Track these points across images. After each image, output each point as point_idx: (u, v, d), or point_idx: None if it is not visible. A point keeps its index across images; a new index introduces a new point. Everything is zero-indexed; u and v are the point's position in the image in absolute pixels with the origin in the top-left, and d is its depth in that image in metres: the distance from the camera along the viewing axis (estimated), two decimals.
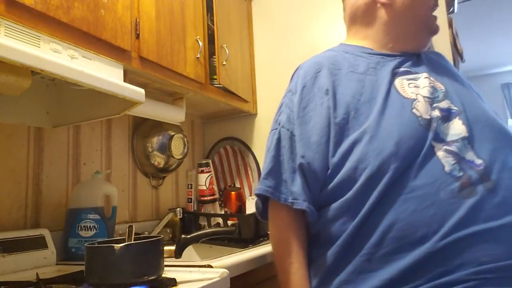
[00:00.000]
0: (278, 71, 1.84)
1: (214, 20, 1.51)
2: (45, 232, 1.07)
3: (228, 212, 1.53)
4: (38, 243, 1.03)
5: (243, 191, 1.68)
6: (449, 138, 0.69)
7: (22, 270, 0.97)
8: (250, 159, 1.85)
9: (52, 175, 1.20)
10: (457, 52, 1.59)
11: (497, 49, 4.25)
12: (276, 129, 0.81)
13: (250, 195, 1.79)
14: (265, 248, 1.13)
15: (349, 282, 0.68)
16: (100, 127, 1.40)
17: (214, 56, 1.53)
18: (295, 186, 0.74)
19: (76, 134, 1.30)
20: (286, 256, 0.75)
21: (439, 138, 0.69)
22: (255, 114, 1.89)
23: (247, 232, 1.30)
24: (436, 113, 0.72)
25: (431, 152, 0.68)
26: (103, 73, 0.95)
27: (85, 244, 0.76)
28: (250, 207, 1.51)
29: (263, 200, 0.83)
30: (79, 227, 1.10)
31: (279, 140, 0.79)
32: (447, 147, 0.68)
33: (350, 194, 0.70)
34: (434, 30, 0.87)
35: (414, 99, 0.73)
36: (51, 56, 0.84)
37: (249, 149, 1.86)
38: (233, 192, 1.59)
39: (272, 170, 0.78)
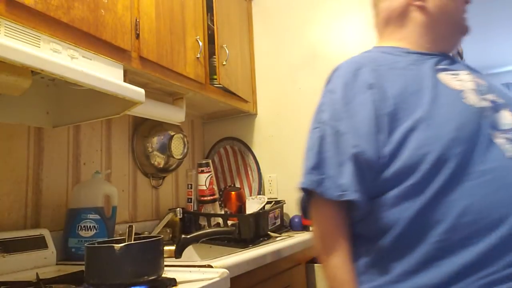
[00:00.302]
0: (278, 71, 1.84)
1: (214, 20, 1.51)
2: (45, 232, 1.07)
3: (228, 212, 1.53)
4: (38, 243, 1.03)
5: (243, 191, 1.68)
6: (503, 127, 0.72)
7: (22, 270, 0.97)
8: (250, 159, 1.85)
9: (52, 175, 1.20)
10: (457, 52, 1.59)
11: (497, 49, 4.25)
12: (318, 127, 0.80)
13: (250, 195, 1.79)
14: (265, 248, 1.13)
15: (418, 271, 0.66)
16: (100, 127, 1.40)
17: (214, 56, 1.53)
18: (345, 178, 0.73)
19: (76, 134, 1.30)
20: (331, 251, 0.75)
21: (494, 126, 0.72)
22: (255, 114, 1.89)
23: (247, 232, 1.30)
24: (486, 103, 0.74)
25: (489, 139, 0.70)
26: (103, 73, 0.95)
27: (85, 244, 0.76)
28: (250, 207, 1.51)
29: (308, 196, 0.81)
30: (79, 227, 1.10)
31: (322, 137, 0.78)
32: (506, 135, 0.71)
33: (411, 181, 0.69)
34: (466, 31, 0.90)
35: (462, 90, 0.75)
36: (51, 56, 0.85)
37: (249, 149, 1.86)
38: (233, 192, 1.59)
39: (316, 166, 0.76)
